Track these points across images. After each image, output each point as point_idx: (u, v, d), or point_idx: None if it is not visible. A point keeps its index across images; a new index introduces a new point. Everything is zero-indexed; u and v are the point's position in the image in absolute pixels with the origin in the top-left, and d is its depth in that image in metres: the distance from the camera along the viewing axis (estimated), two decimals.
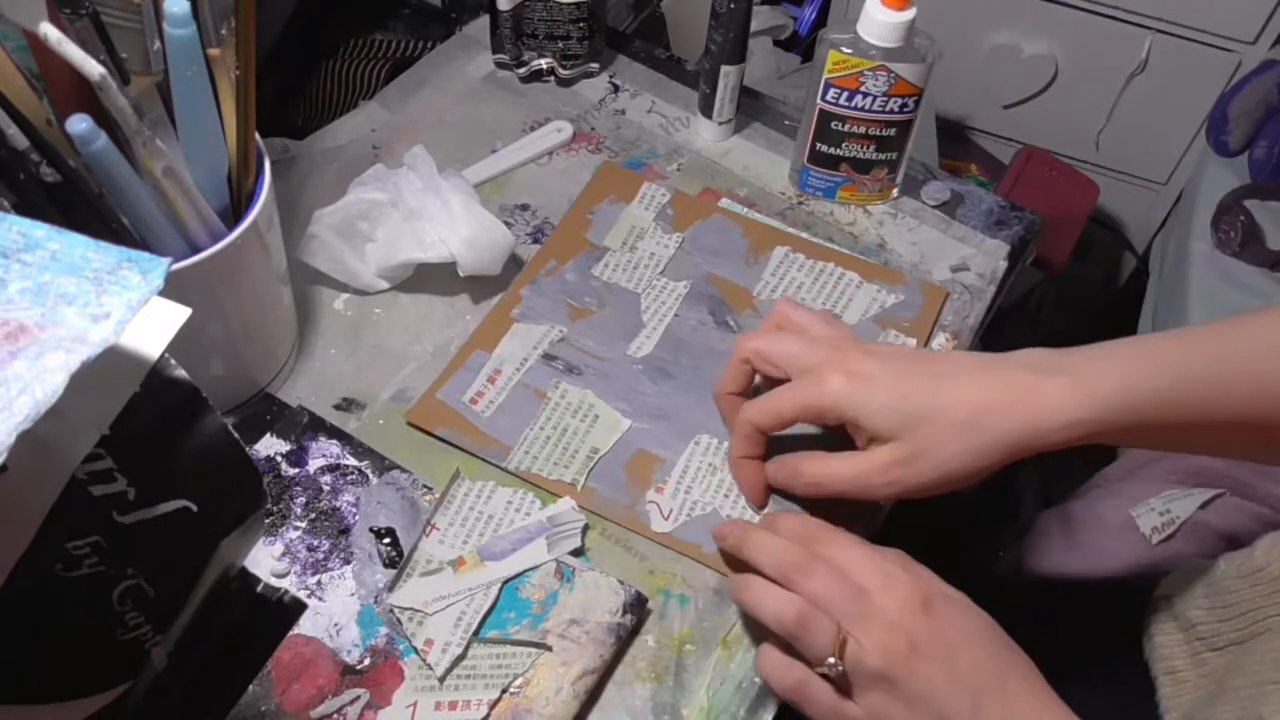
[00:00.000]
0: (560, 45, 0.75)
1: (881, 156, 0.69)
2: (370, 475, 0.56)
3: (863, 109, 0.67)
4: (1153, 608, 0.59)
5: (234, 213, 0.52)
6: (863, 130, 0.68)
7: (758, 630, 0.51)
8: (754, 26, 0.98)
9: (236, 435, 0.33)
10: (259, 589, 0.40)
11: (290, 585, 0.52)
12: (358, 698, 0.48)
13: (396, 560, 0.53)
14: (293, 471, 0.56)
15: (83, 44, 0.41)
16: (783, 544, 0.49)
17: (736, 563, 0.52)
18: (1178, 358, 0.49)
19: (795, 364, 0.54)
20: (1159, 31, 1.25)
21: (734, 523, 0.54)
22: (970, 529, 0.95)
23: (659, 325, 0.64)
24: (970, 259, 0.70)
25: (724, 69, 0.71)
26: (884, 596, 0.46)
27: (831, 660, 0.45)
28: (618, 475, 0.57)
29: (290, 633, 0.49)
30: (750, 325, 0.65)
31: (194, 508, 0.32)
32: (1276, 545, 0.53)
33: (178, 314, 0.29)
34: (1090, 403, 0.48)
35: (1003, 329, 1.28)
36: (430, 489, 0.56)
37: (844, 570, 0.47)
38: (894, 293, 0.66)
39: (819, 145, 0.69)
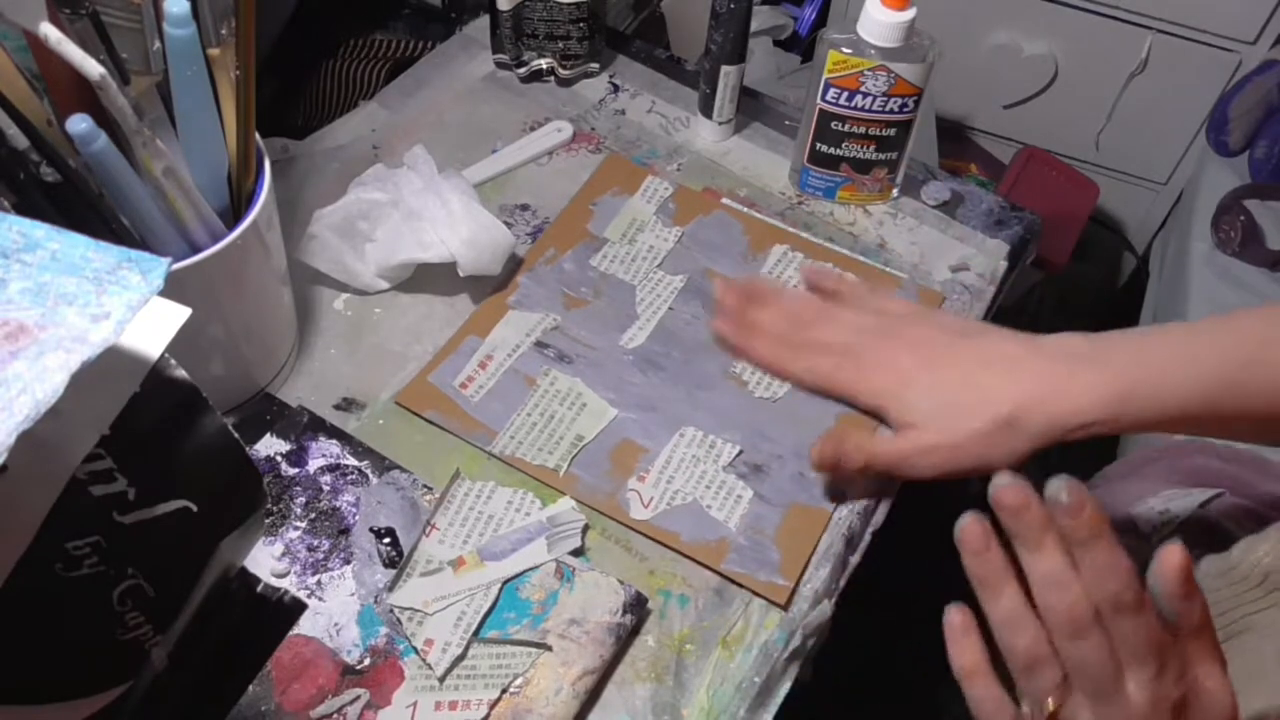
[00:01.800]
0: (560, 45, 0.75)
1: (881, 156, 0.69)
2: (370, 475, 0.56)
3: (863, 109, 0.67)
4: None
5: (234, 213, 0.52)
6: (863, 130, 0.68)
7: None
8: (754, 26, 0.98)
9: (236, 435, 0.33)
10: (259, 589, 0.40)
11: (290, 585, 0.52)
12: (358, 698, 0.48)
13: (396, 560, 0.53)
14: (293, 471, 0.56)
15: (83, 44, 0.41)
16: (1078, 595, 0.38)
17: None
18: (1212, 350, 0.50)
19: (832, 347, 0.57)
20: (1159, 31, 1.25)
21: (1025, 498, 0.39)
22: None
23: (652, 317, 0.64)
24: (970, 259, 0.70)
25: (724, 69, 0.71)
26: (1143, 695, 0.38)
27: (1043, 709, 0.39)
28: (601, 463, 0.57)
29: (290, 633, 0.49)
30: None
31: (194, 508, 0.32)
32: (1252, 545, 0.53)
33: (178, 314, 0.29)
34: (1115, 402, 0.50)
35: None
36: (430, 489, 0.56)
37: (1120, 642, 0.38)
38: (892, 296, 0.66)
39: (819, 145, 0.69)
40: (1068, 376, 0.50)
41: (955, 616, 0.41)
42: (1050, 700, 0.39)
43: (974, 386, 0.52)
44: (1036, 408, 0.50)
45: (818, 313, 0.61)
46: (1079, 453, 0.57)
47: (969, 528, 0.40)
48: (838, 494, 0.57)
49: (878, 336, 0.58)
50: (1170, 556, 0.37)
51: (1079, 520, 0.38)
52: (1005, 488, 0.39)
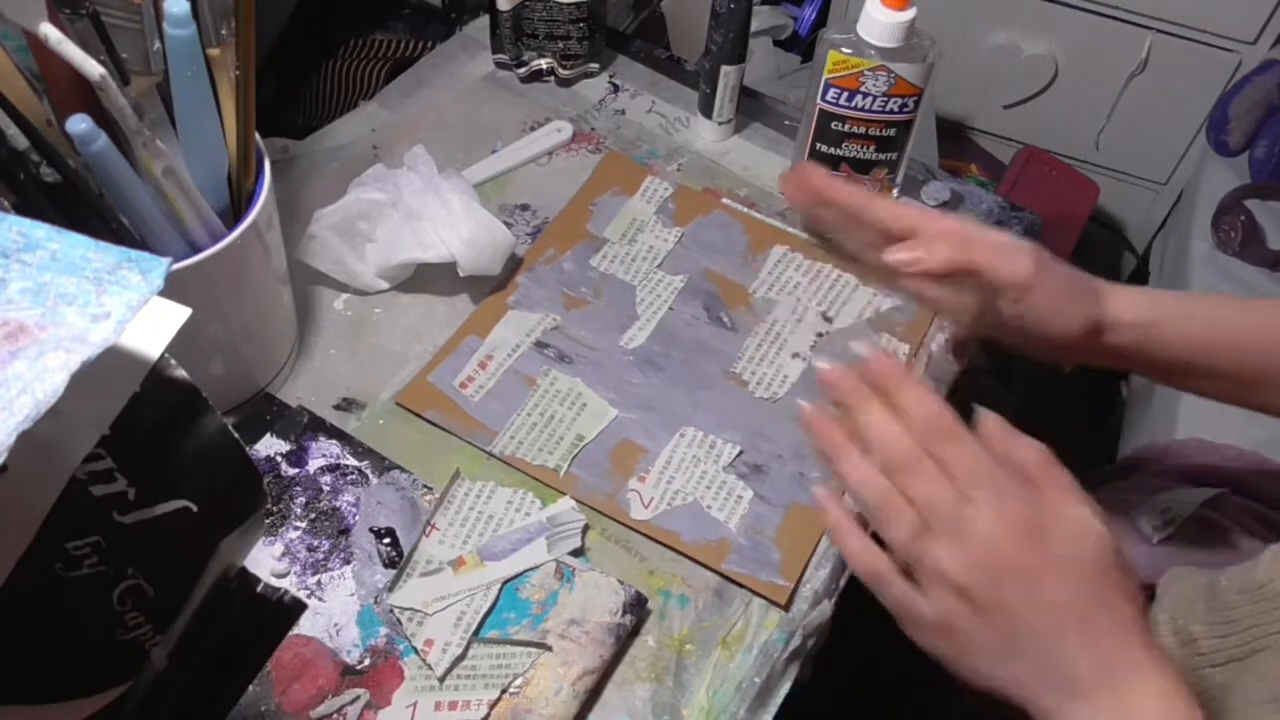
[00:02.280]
0: (560, 45, 0.75)
1: (881, 156, 0.69)
2: (370, 475, 0.56)
3: (863, 109, 0.67)
4: (1153, 621, 0.59)
5: (234, 213, 0.52)
6: (863, 130, 0.68)
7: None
8: (754, 26, 0.98)
9: (236, 435, 0.33)
10: (259, 589, 0.40)
11: (290, 585, 0.52)
12: (358, 698, 0.48)
13: (396, 560, 0.53)
14: (293, 471, 0.56)
15: (83, 44, 0.41)
16: (898, 434, 0.43)
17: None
18: (1216, 306, 0.56)
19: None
20: (1159, 31, 1.24)
21: (846, 371, 0.45)
22: None
23: (653, 318, 0.64)
24: None
25: (724, 69, 0.71)
26: (986, 514, 0.42)
27: (909, 553, 0.43)
28: (602, 463, 0.57)
29: (290, 633, 0.49)
30: (744, 322, 0.65)
31: (194, 508, 0.32)
32: (1278, 560, 0.53)
33: (178, 314, 0.29)
34: (1150, 308, 0.54)
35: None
36: (430, 489, 0.56)
37: (955, 475, 0.43)
38: (890, 295, 0.66)
39: (819, 145, 0.69)
40: (1113, 287, 0.55)
41: (819, 491, 0.46)
42: (912, 544, 0.42)
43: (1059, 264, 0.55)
44: (1094, 291, 0.54)
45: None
46: (1080, 453, 0.57)
47: (806, 411, 0.46)
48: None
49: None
50: (987, 417, 0.44)
51: (882, 367, 0.44)
52: (824, 371, 0.46)
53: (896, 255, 0.51)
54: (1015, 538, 0.43)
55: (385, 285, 0.64)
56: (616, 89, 0.78)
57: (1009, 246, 0.52)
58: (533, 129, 0.74)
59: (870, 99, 0.66)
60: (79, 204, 0.45)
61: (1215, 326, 0.56)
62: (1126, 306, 0.55)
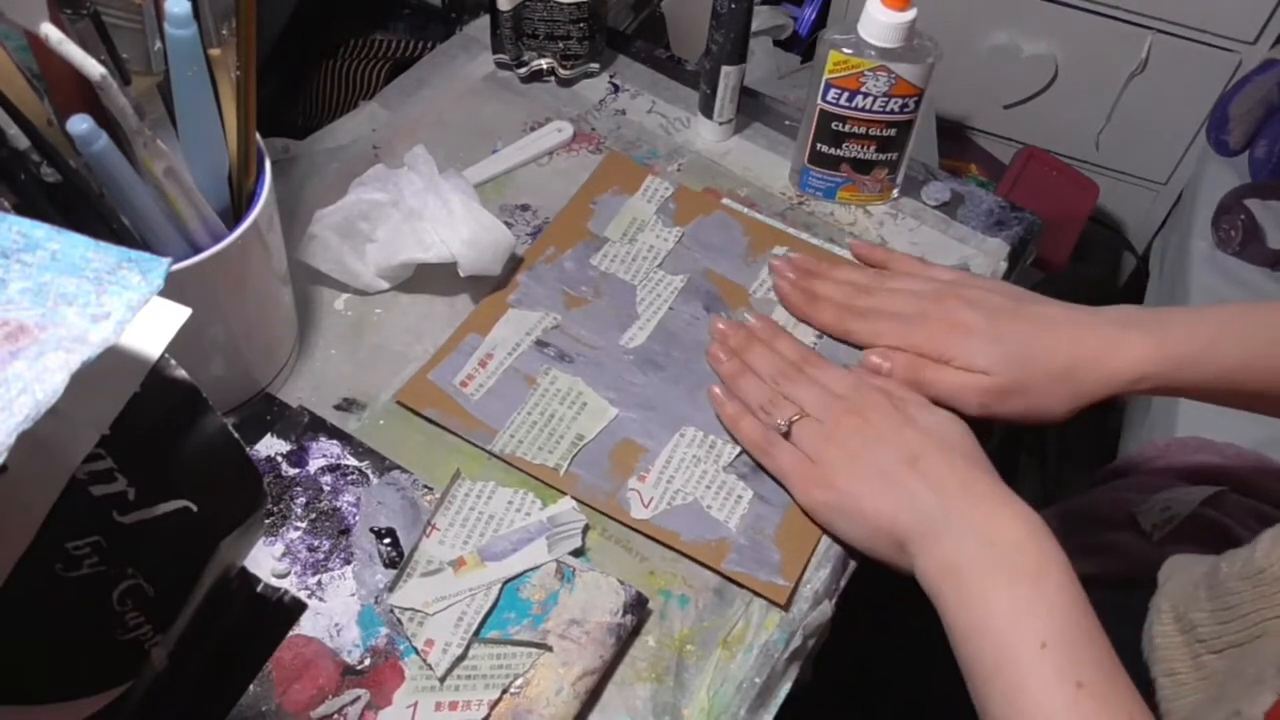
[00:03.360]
0: (560, 45, 0.75)
1: (882, 157, 0.69)
2: (370, 475, 0.56)
3: (863, 109, 0.67)
4: (1154, 608, 0.59)
5: (234, 213, 0.52)
6: (863, 130, 0.68)
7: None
8: (754, 26, 0.98)
9: (236, 435, 0.33)
10: (259, 589, 0.40)
11: (290, 585, 0.52)
12: (358, 698, 0.48)
13: (397, 560, 0.53)
14: (293, 472, 0.56)
15: (83, 44, 0.41)
16: (779, 360, 0.59)
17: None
18: (1259, 329, 0.55)
19: (902, 314, 0.62)
20: (1159, 31, 1.25)
21: (736, 324, 0.62)
22: None
23: (653, 317, 0.64)
24: (970, 259, 0.70)
25: (724, 69, 0.71)
26: (852, 394, 0.56)
27: (780, 422, 0.56)
28: (601, 463, 0.57)
29: (290, 633, 0.49)
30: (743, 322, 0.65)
31: (194, 508, 0.32)
32: (1277, 545, 0.53)
33: (178, 314, 0.29)
34: (1165, 363, 0.55)
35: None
36: (430, 489, 0.56)
37: (824, 383, 0.57)
38: None
39: (819, 145, 0.69)
40: (1122, 338, 0.56)
41: (713, 390, 0.60)
42: (791, 418, 0.56)
43: (1038, 341, 0.57)
44: (1092, 364, 0.56)
45: (874, 281, 0.65)
46: (1080, 452, 0.57)
47: (712, 351, 0.61)
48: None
49: (938, 299, 0.61)
50: (719, 332, 0.63)
51: (760, 324, 0.63)
52: (717, 324, 0.63)
53: (869, 359, 0.61)
54: (871, 396, 0.56)
55: (385, 285, 0.64)
56: (617, 89, 0.78)
57: (960, 385, 0.58)
58: (533, 129, 0.74)
59: (870, 99, 0.66)
60: (79, 204, 0.45)
61: (1249, 350, 0.55)
62: (1133, 363, 0.55)
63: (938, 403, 0.59)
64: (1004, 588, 0.47)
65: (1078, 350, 0.56)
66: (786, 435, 0.56)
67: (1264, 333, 0.56)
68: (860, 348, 0.63)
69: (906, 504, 0.51)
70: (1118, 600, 0.64)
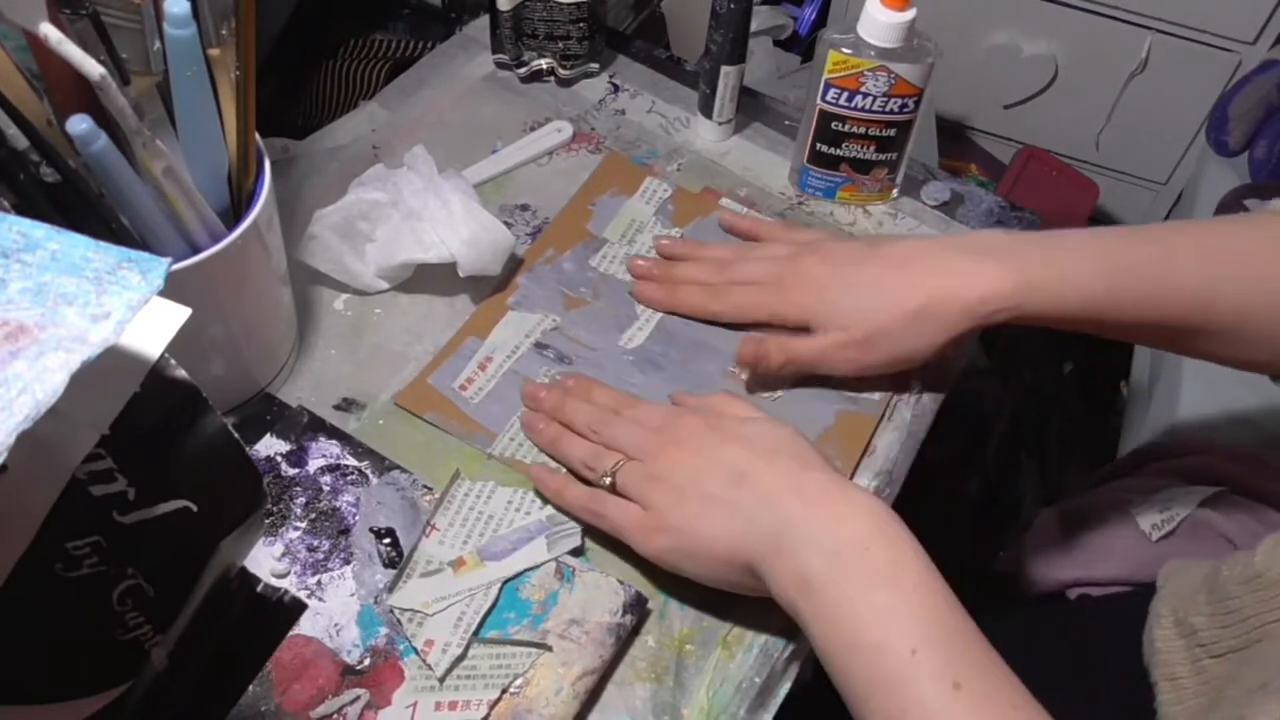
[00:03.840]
0: (560, 45, 0.75)
1: (881, 157, 0.69)
2: (370, 475, 0.56)
3: (863, 109, 0.67)
4: (1154, 612, 0.59)
5: (234, 213, 0.52)
6: (863, 130, 0.68)
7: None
8: (754, 26, 0.98)
9: (236, 435, 0.33)
10: (259, 589, 0.40)
11: (290, 585, 0.52)
12: (358, 698, 0.48)
13: (396, 560, 0.53)
14: (293, 472, 0.56)
15: (83, 44, 0.41)
16: (591, 409, 0.56)
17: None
18: (1120, 257, 0.53)
19: (761, 280, 0.61)
20: (1159, 31, 1.25)
21: (550, 387, 0.59)
22: (970, 529, 0.95)
23: (652, 317, 0.64)
24: None
25: (724, 69, 0.71)
26: (667, 425, 0.53)
27: (604, 473, 0.53)
28: None
29: (290, 633, 0.49)
30: None
31: (194, 508, 0.32)
32: (1277, 549, 0.53)
33: (178, 314, 0.29)
34: (1022, 290, 0.53)
35: (1002, 327, 1.28)
36: (430, 489, 0.56)
37: (640, 421, 0.54)
38: None
39: (819, 145, 0.69)
40: (974, 267, 0.54)
41: (533, 470, 0.56)
42: (612, 467, 0.52)
43: (887, 284, 0.56)
44: (946, 298, 0.54)
45: (737, 254, 0.64)
46: (1079, 455, 0.57)
47: (527, 421, 0.58)
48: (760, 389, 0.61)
49: (794, 260, 0.60)
50: (529, 394, 0.59)
51: (575, 383, 0.59)
52: (529, 391, 0.59)
53: (740, 349, 0.59)
54: (688, 428, 0.52)
55: (385, 285, 0.64)
56: (616, 89, 0.78)
57: (821, 349, 0.58)
58: (533, 129, 0.74)
59: (870, 99, 0.66)
60: (79, 204, 0.45)
61: (1114, 281, 0.53)
62: (988, 293, 0.54)
63: (814, 377, 0.59)
64: (861, 596, 0.44)
65: (930, 284, 0.54)
66: (613, 488, 0.52)
67: (1126, 259, 0.53)
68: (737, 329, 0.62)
69: (743, 526, 0.48)
70: (1118, 602, 0.65)
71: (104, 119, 0.43)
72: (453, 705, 0.48)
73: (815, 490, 0.47)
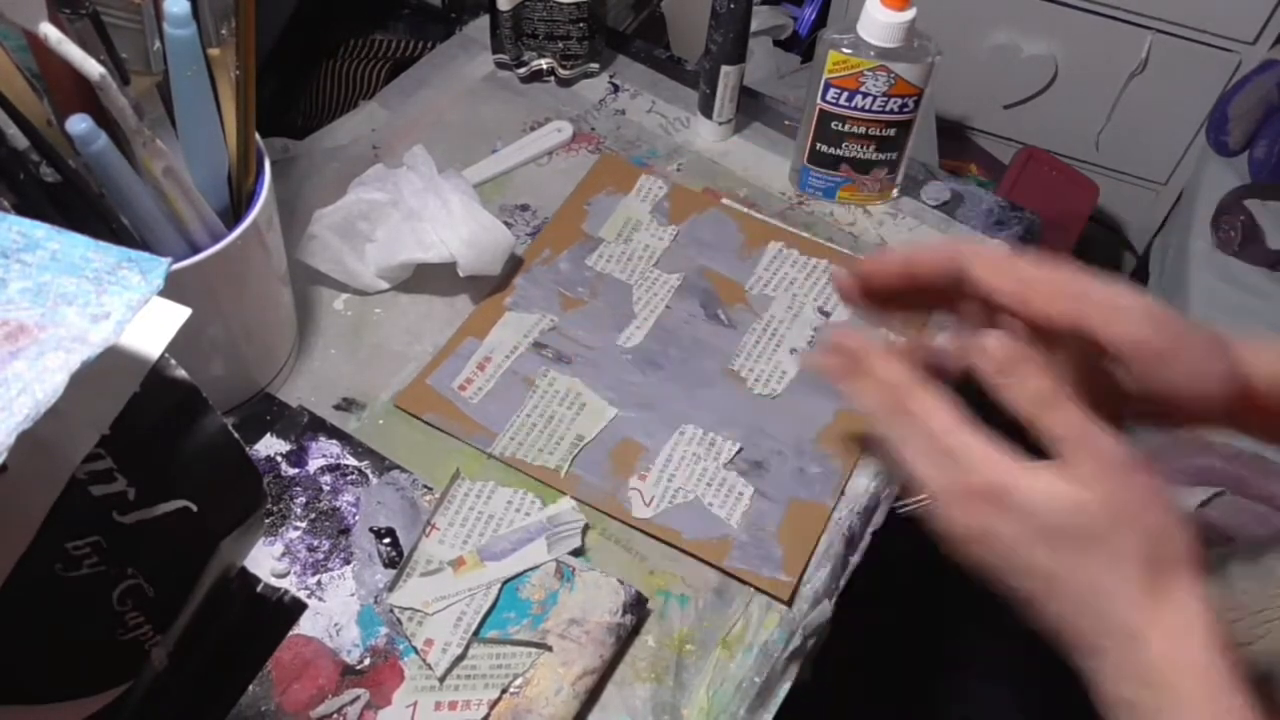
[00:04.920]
0: (560, 45, 0.75)
1: (881, 156, 0.69)
2: (370, 475, 0.56)
3: (863, 109, 0.67)
4: None
5: (234, 213, 0.52)
6: (863, 130, 0.68)
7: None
8: (754, 26, 0.98)
9: (236, 435, 0.33)
10: (259, 589, 0.40)
11: (290, 585, 0.52)
12: (358, 698, 0.48)
13: (396, 560, 0.53)
14: (293, 471, 0.56)
15: (83, 44, 0.41)
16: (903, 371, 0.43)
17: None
18: None
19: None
20: (1159, 31, 1.24)
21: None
22: None
23: (650, 316, 0.64)
24: None
25: (724, 69, 0.71)
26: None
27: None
28: (602, 462, 0.57)
29: (290, 633, 0.49)
30: (741, 319, 0.65)
31: (194, 508, 0.32)
32: None
33: (178, 314, 0.29)
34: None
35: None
36: (430, 489, 0.56)
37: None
38: None
39: (819, 145, 0.69)
40: (1247, 341, 0.46)
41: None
42: None
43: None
44: (1235, 347, 0.45)
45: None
46: None
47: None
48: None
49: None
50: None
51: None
52: (837, 337, 0.43)
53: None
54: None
55: (385, 285, 0.64)
56: (616, 89, 0.78)
57: (1125, 307, 0.44)
58: (533, 129, 0.74)
59: (870, 99, 0.66)
60: (79, 204, 0.45)
61: None
62: (1269, 363, 0.46)
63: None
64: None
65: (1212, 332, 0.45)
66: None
67: None
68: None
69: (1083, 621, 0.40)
70: None
71: (104, 119, 0.43)
72: (453, 705, 0.48)
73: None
